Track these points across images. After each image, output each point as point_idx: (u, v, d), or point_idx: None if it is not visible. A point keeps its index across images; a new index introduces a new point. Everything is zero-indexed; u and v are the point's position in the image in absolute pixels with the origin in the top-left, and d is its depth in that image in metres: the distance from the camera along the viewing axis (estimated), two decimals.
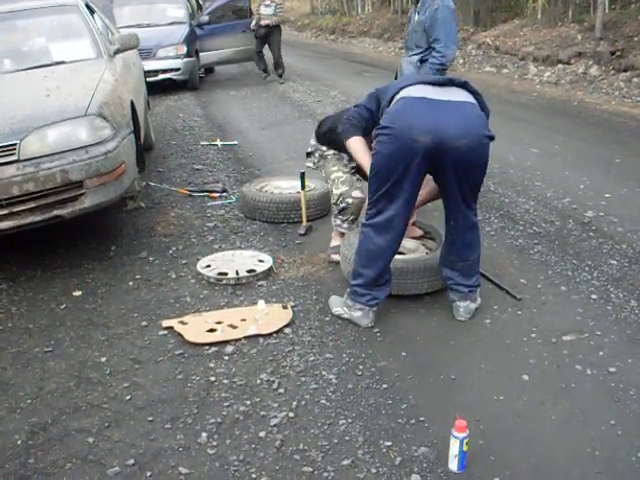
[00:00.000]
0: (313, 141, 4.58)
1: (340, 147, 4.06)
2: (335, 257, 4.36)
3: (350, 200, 4.25)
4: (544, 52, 13.14)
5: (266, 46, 13.30)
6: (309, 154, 4.61)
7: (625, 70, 11.02)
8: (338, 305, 3.76)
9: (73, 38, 5.78)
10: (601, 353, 3.32)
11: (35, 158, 4.04)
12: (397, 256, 3.89)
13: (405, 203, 3.41)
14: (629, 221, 5.04)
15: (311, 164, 4.63)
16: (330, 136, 4.33)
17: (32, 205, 4.08)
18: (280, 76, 13.54)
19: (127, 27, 10.65)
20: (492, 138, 3.36)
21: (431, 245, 4.23)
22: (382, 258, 3.54)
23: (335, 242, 4.50)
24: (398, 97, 3.36)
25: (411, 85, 3.38)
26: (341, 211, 4.33)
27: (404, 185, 3.34)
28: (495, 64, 14.28)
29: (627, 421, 2.81)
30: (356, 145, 3.71)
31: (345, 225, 4.38)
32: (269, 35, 13.11)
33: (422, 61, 5.15)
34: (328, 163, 4.41)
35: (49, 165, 4.04)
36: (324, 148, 4.48)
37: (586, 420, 2.82)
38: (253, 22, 13.15)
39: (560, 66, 12.44)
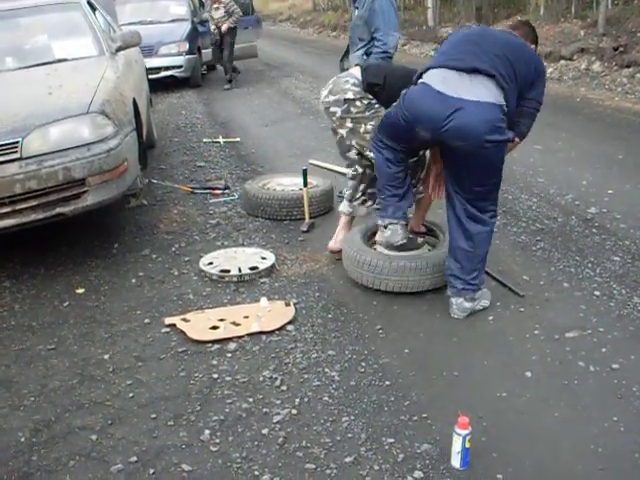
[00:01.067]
0: (354, 86, 4.07)
1: (387, 103, 3.89)
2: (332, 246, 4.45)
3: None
4: (547, 48, 13.10)
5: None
6: (347, 101, 4.07)
7: (628, 66, 10.99)
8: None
9: (75, 36, 5.78)
10: (604, 350, 3.31)
11: (37, 156, 4.04)
12: (398, 253, 3.91)
13: (406, 151, 3.60)
14: (632, 217, 5.03)
15: (343, 109, 4.10)
16: (386, 91, 4.00)
17: (35, 203, 4.08)
18: (229, 81, 12.64)
19: (129, 24, 10.67)
20: (502, 141, 3.33)
21: (434, 242, 4.23)
22: (396, 178, 3.68)
23: (344, 232, 4.46)
24: (423, 79, 3.40)
25: (438, 68, 3.38)
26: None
27: (408, 144, 3.55)
28: None
29: (630, 418, 2.80)
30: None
31: (364, 208, 4.41)
32: (222, 37, 12.43)
33: (367, 54, 5.24)
34: (378, 113, 4.00)
35: (51, 163, 4.04)
36: (371, 97, 4.08)
37: (589, 417, 2.82)
38: (212, 28, 12.52)
39: (563, 62, 12.42)
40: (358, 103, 4.05)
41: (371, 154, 3.97)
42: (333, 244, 4.48)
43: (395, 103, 3.51)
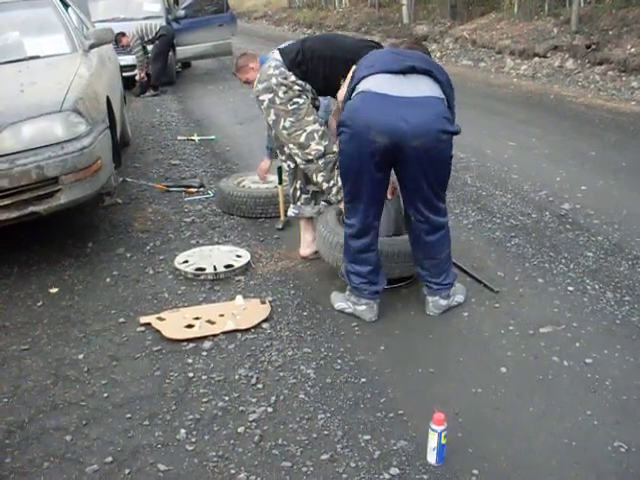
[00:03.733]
0: (275, 69, 3.91)
1: (315, 77, 3.89)
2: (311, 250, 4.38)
3: (333, 156, 3.94)
4: (521, 45, 13.20)
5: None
6: (273, 90, 3.91)
7: (600, 63, 11.10)
8: (341, 300, 3.74)
9: (47, 32, 5.71)
10: (577, 345, 3.34)
11: (10, 154, 4.00)
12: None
13: (372, 202, 3.43)
14: (605, 213, 5.08)
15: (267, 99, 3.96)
16: (308, 59, 3.89)
17: (7, 202, 4.04)
18: (154, 88, 11.89)
19: (102, 21, 10.57)
20: (454, 132, 3.31)
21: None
22: (366, 257, 3.56)
23: (310, 234, 4.41)
24: (359, 89, 3.31)
25: (373, 75, 3.29)
26: (327, 166, 3.97)
27: (369, 184, 3.36)
28: (472, 58, 14.32)
29: (603, 411, 2.83)
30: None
31: (309, 208, 4.29)
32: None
33: None
34: (301, 110, 3.90)
35: (24, 161, 4.00)
36: (295, 79, 3.90)
37: (563, 411, 2.85)
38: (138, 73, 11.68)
39: (536, 59, 12.51)
40: (281, 94, 3.88)
41: (318, 146, 3.92)
42: (303, 250, 4.45)
43: (337, 150, 3.43)
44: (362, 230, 3.49)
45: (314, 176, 4.04)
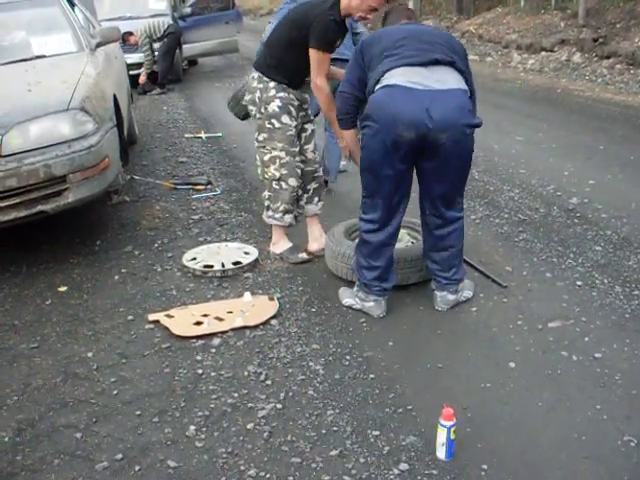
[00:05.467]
0: (259, 83, 4.10)
1: (287, 67, 4.00)
2: (302, 255, 4.32)
3: (285, 186, 4.14)
4: (527, 40, 13.16)
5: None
6: (259, 102, 4.11)
7: (608, 57, 11.06)
8: (349, 296, 3.74)
9: (54, 32, 5.73)
10: (586, 339, 3.34)
11: (17, 153, 4.01)
12: None
13: (394, 195, 3.41)
14: (613, 207, 5.07)
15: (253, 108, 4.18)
16: (276, 49, 4.05)
17: (15, 201, 4.05)
18: (162, 86, 11.84)
19: (108, 20, 10.58)
20: (477, 125, 3.34)
21: (416, 235, 4.23)
22: (385, 251, 3.56)
23: (285, 243, 4.39)
24: (384, 82, 3.29)
25: (396, 68, 3.28)
26: (272, 194, 4.20)
27: (393, 177, 3.35)
28: (479, 52, 14.28)
29: (612, 406, 2.83)
30: (352, 138, 3.77)
31: (277, 215, 4.25)
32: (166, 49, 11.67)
33: None
34: (275, 133, 4.05)
35: (32, 160, 4.01)
36: (275, 93, 4.04)
37: (572, 406, 2.84)
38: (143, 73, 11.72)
39: (543, 53, 12.47)
40: (262, 109, 4.09)
41: (275, 172, 4.11)
42: (310, 245, 4.45)
43: (361, 144, 3.44)
44: (383, 224, 3.48)
45: (264, 190, 4.31)
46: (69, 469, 2.59)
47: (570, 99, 9.44)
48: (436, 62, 3.27)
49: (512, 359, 3.19)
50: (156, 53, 11.58)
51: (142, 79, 11.62)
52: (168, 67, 11.75)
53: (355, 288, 3.70)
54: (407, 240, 4.18)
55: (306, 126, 4.30)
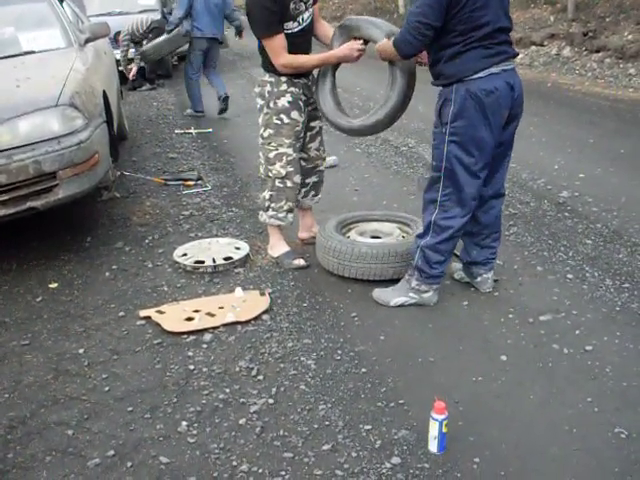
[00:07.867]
0: (269, 77, 4.00)
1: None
2: (298, 262, 4.21)
3: (290, 184, 4.07)
4: (517, 34, 13.14)
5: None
6: (266, 96, 4.02)
7: (597, 51, 11.06)
8: (398, 296, 3.68)
9: (42, 27, 5.69)
10: (577, 332, 3.35)
11: (7, 150, 3.99)
12: (370, 240, 3.94)
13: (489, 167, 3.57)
14: (603, 201, 5.08)
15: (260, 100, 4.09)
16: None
17: (5, 197, 4.03)
18: (151, 81, 11.88)
19: (97, 15, 10.54)
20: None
21: (407, 230, 4.22)
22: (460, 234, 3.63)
23: (282, 247, 4.31)
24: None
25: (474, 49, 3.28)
26: (274, 193, 4.11)
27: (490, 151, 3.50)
28: None
29: (603, 398, 2.84)
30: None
31: (281, 215, 4.17)
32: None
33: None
34: (283, 128, 3.97)
35: (21, 156, 3.99)
36: (286, 88, 3.95)
37: (563, 398, 2.85)
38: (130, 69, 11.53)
39: (533, 48, 12.47)
40: (272, 104, 3.98)
41: (281, 169, 4.01)
42: (301, 233, 4.53)
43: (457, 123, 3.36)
44: (467, 217, 3.51)
45: (264, 190, 4.17)
46: (61, 466, 2.59)
47: (560, 93, 9.46)
48: (500, 30, 3.35)
49: (503, 352, 3.20)
50: (132, 51, 11.41)
51: (132, 73, 11.55)
52: (156, 63, 11.69)
53: (412, 284, 3.64)
54: (398, 234, 4.18)
55: (312, 124, 4.21)
